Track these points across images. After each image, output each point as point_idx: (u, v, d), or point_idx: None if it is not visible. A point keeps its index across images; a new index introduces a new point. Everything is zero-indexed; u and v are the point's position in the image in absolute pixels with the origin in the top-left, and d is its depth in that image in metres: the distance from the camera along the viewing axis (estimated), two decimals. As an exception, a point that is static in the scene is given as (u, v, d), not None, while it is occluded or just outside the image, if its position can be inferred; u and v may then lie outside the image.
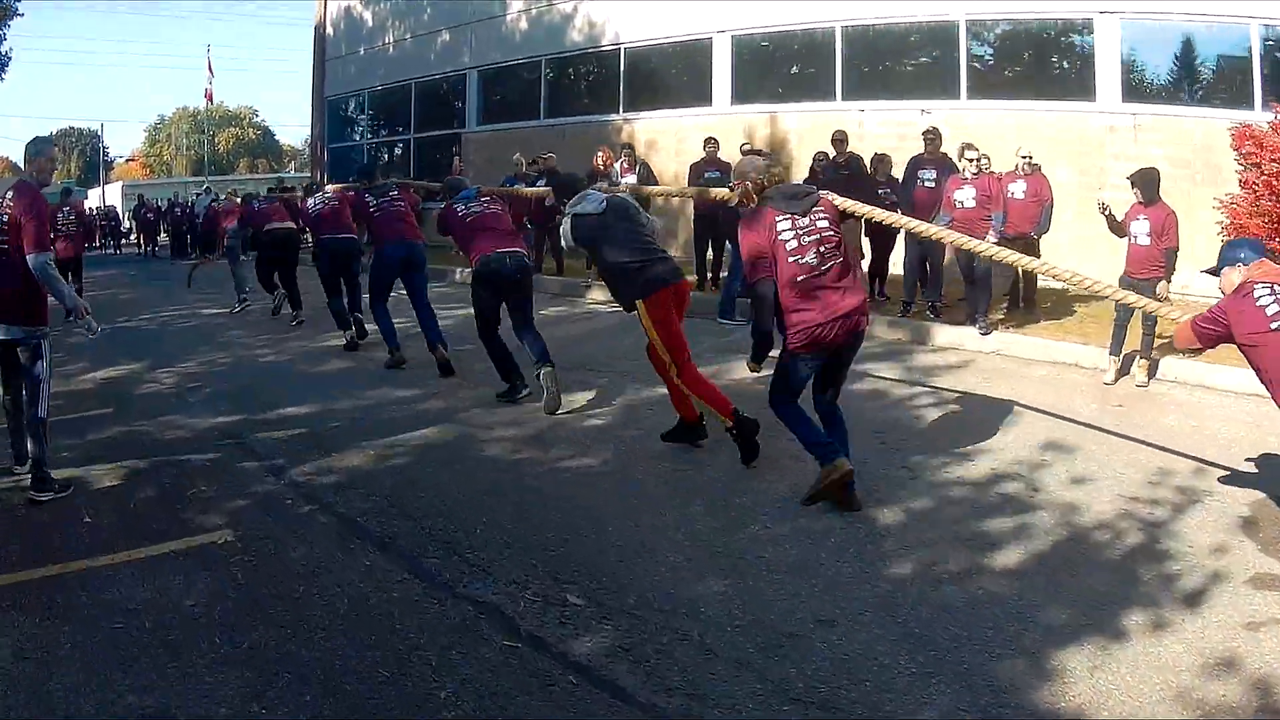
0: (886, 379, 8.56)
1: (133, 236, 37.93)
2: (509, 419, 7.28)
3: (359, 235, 10.64)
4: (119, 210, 44.19)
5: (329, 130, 28.82)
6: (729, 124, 17.50)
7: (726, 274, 11.81)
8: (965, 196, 10.34)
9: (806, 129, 16.61)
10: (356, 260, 10.69)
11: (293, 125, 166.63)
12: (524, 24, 22.36)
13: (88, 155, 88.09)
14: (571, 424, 7.12)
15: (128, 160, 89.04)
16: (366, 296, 9.89)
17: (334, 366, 9.62)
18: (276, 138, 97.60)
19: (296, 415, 7.60)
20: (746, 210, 5.32)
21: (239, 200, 16.42)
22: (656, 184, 13.76)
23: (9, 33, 26.56)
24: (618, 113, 20.51)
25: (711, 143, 13.69)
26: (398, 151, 26.44)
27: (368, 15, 27.13)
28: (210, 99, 43.18)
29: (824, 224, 5.07)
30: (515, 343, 7.80)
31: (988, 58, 16.28)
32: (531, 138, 21.11)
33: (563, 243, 6.55)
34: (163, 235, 33.23)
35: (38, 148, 5.94)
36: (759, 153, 9.68)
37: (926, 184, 11.19)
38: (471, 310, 7.85)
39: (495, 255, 7.54)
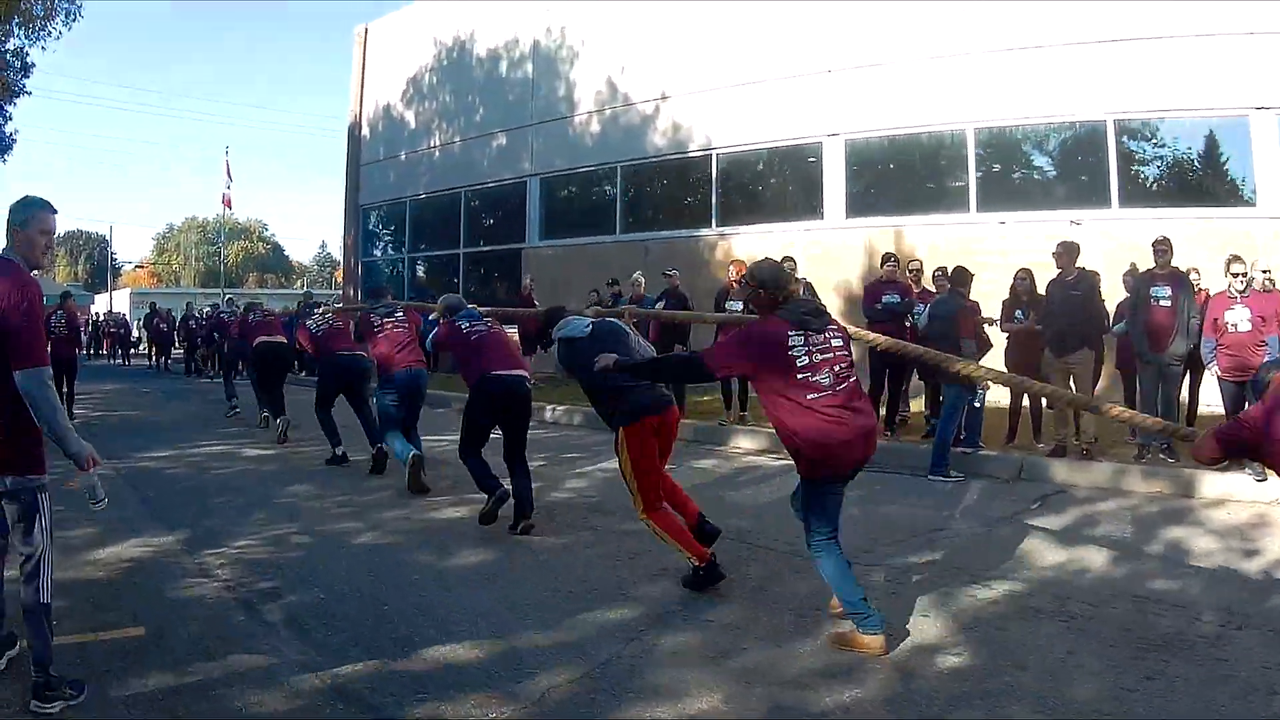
0: (1209, 552, 6.59)
1: (143, 347, 36.13)
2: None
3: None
4: (128, 318, 41.92)
5: (363, 241, 26.71)
6: (844, 239, 16.22)
7: (940, 418, 9.78)
8: (1238, 318, 9.13)
9: (938, 243, 14.95)
10: (366, 381, 10.39)
11: (302, 239, 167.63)
12: (596, 126, 20.08)
13: (95, 260, 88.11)
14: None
15: (136, 267, 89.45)
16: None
17: (475, 558, 6.64)
18: (286, 253, 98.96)
19: (453, 660, 4.65)
20: (756, 313, 5.28)
21: (239, 311, 16.42)
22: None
23: (14, 111, 24.87)
24: (710, 226, 18.27)
25: (891, 261, 11.67)
26: (442, 267, 24.49)
27: (409, 116, 24.89)
28: (229, 205, 41.39)
29: (838, 342, 4.86)
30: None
31: (1142, 160, 14.91)
32: (607, 254, 19.00)
33: (558, 362, 6.50)
34: (177, 347, 30.78)
35: (26, 213, 4.14)
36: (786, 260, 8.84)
37: (1162, 303, 9.55)
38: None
39: (499, 375, 7.41)
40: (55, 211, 4.20)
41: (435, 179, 23.67)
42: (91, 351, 38.58)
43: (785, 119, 17.09)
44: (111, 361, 34.94)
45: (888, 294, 11.26)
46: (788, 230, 16.94)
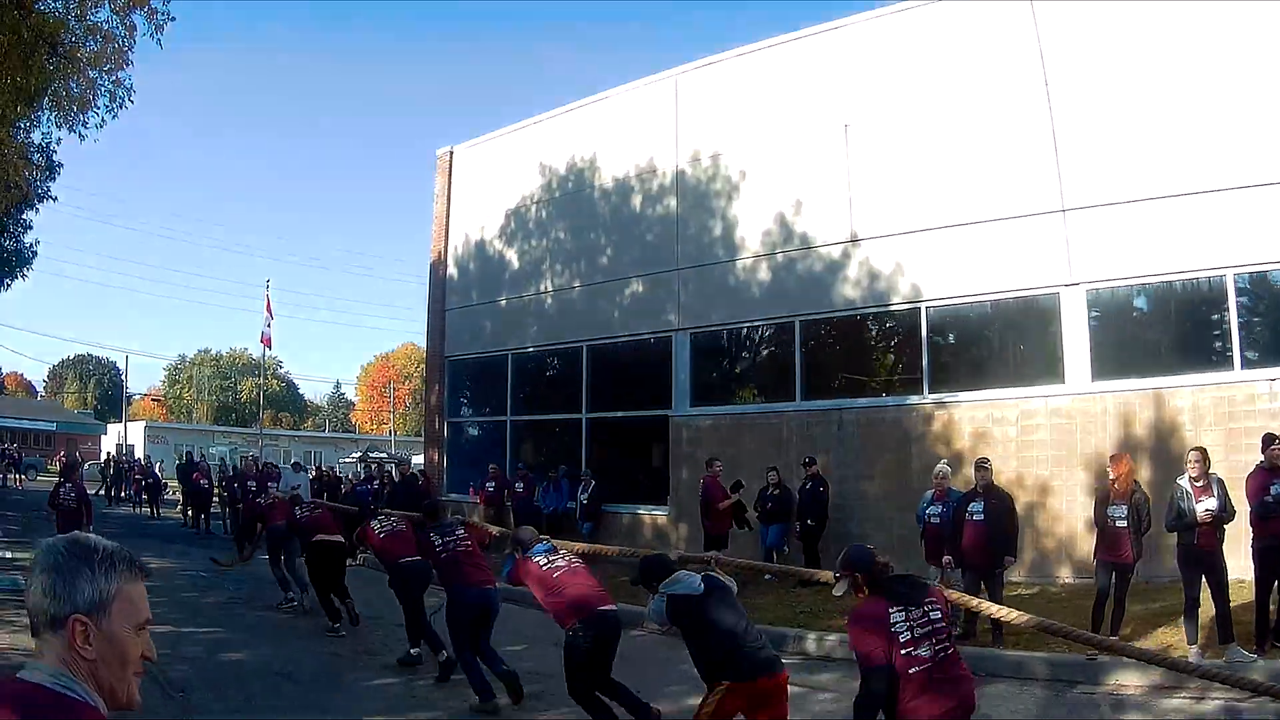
0: None
1: (170, 493, 33.84)
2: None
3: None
4: (144, 456, 41.18)
5: (449, 400, 23.36)
6: (1090, 406, 14.09)
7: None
8: None
9: (1204, 407, 13.16)
10: (425, 586, 10.57)
11: (316, 379, 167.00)
12: (765, 273, 17.25)
13: (105, 387, 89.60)
14: None
15: (143, 396, 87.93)
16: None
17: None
18: (300, 392, 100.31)
19: None
20: (855, 601, 5.36)
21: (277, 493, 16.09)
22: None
23: (36, 219, 23.28)
24: (921, 393, 15.52)
25: (1275, 443, 9.59)
26: (557, 434, 21.51)
27: (511, 255, 21.87)
28: (269, 344, 38.71)
29: (936, 614, 5.05)
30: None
31: None
32: (783, 425, 16.53)
33: (651, 617, 6.62)
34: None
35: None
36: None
37: None
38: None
39: (600, 614, 7.47)
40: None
41: (548, 330, 20.69)
42: (112, 494, 36.23)
43: (1012, 265, 14.64)
44: (137, 510, 32.16)
45: (1276, 483, 9.42)
46: (1022, 397, 14.57)
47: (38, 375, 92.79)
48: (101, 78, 13.96)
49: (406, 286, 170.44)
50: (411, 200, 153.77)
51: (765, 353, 17.90)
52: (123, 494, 36.15)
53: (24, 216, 22.84)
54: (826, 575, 6.43)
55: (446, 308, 23.09)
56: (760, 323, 17.52)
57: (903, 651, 4.92)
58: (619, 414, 19.61)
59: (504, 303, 21.64)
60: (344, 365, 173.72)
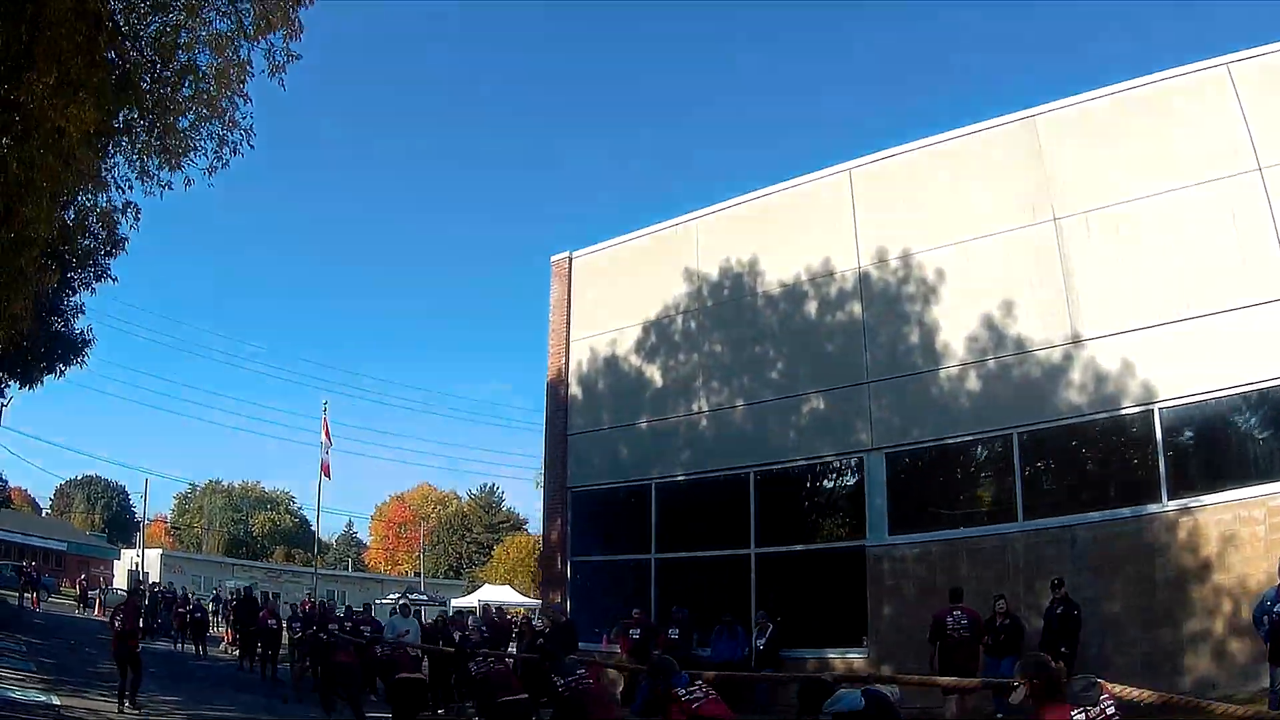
0: None
1: (215, 629, 32.54)
2: None
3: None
4: (181, 588, 39.25)
5: (573, 536, 21.38)
6: None
7: None
8: None
9: None
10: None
11: (329, 512, 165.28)
12: (973, 382, 16.22)
13: (114, 510, 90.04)
14: None
15: (153, 521, 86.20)
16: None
17: None
18: (313, 528, 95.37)
19: None
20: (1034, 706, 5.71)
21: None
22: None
23: (90, 299, 21.58)
24: (1159, 500, 14.31)
25: None
26: (714, 571, 19.28)
27: (653, 371, 20.49)
28: (328, 473, 36.28)
29: (1111, 711, 5.42)
30: None
31: None
32: (1006, 549, 15.27)
33: None
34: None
35: None
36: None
37: None
38: None
39: None
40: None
41: (703, 456, 19.23)
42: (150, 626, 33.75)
43: (1257, 355, 13.73)
44: (179, 647, 30.16)
45: None
46: (1271, 493, 13.32)
47: (43, 492, 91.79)
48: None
49: (441, 421, 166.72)
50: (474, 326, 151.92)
51: (978, 470, 16.74)
52: (157, 624, 34.29)
53: (74, 300, 20.73)
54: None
55: (569, 432, 21.67)
56: (972, 437, 16.35)
57: None
58: (798, 547, 18.00)
59: (645, 425, 20.34)
60: (355, 502, 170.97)
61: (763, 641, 16.70)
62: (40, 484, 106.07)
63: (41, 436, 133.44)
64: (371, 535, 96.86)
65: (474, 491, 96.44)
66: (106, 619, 17.46)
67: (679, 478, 19.72)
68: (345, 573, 70.54)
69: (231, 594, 36.86)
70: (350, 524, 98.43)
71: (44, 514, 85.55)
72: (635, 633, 17.50)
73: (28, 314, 11.76)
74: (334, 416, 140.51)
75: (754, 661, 16.51)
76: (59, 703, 14.16)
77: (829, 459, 17.77)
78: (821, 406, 17.77)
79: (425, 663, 17.51)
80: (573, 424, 21.68)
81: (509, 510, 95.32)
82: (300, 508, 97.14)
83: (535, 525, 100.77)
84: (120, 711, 14.79)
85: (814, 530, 18.35)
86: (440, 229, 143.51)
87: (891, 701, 6.84)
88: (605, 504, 21.23)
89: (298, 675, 19.15)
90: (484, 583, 59.27)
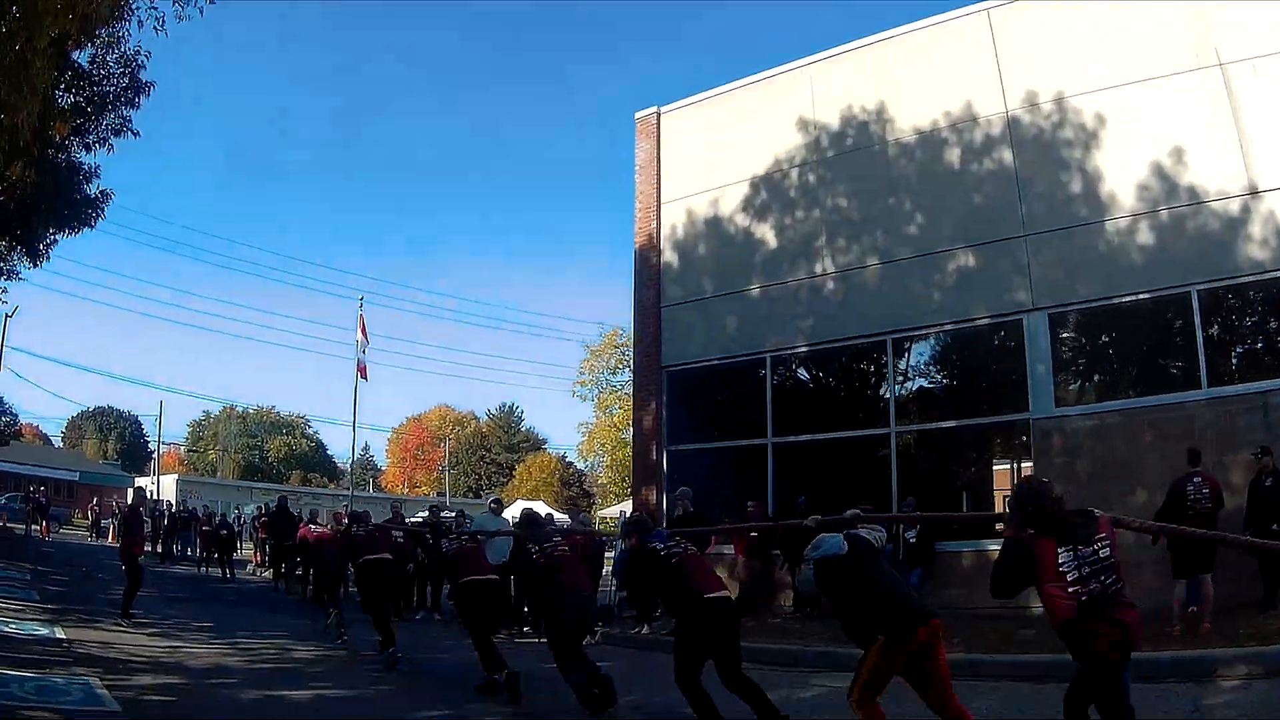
0: None
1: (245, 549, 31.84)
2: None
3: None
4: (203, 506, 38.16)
5: (669, 422, 19.66)
6: None
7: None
8: None
9: None
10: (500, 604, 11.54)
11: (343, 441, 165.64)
12: (1144, 235, 14.64)
13: (127, 441, 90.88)
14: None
15: (168, 449, 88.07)
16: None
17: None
18: (329, 452, 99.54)
19: None
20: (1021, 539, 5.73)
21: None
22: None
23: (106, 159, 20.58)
24: None
25: None
26: (848, 453, 17.76)
27: (764, 231, 18.76)
28: (364, 373, 34.42)
29: (1105, 552, 5.45)
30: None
31: None
32: (1190, 419, 13.84)
33: (802, 587, 7.15)
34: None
35: None
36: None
37: None
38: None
39: (718, 598, 7.84)
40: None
41: (828, 323, 17.60)
42: (170, 550, 33.04)
43: None
44: (204, 570, 29.00)
45: None
46: None
47: (54, 430, 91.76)
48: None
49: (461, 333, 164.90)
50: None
51: (1154, 332, 15.21)
52: (177, 548, 33.33)
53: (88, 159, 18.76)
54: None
55: (663, 304, 20.04)
56: (1146, 296, 14.71)
57: (1070, 589, 5.36)
58: (948, 424, 16.59)
59: (756, 292, 18.70)
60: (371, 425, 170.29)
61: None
62: (52, 422, 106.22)
63: (54, 358, 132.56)
64: (388, 459, 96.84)
65: (492, 411, 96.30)
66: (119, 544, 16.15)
67: (800, 348, 18.22)
68: (369, 493, 69.58)
69: (260, 509, 35.40)
70: (366, 447, 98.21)
71: (56, 448, 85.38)
72: (752, 531, 15.99)
73: (29, 128, 9.67)
74: (342, 330, 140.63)
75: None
76: (63, 635, 12.58)
77: (981, 322, 16.18)
78: (970, 263, 16.18)
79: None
80: (667, 295, 20.07)
81: (528, 430, 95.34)
82: (315, 431, 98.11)
83: (555, 444, 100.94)
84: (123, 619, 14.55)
85: (966, 404, 16.89)
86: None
87: (875, 545, 6.79)
88: (709, 383, 19.82)
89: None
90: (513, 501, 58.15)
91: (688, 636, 7.79)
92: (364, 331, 34.38)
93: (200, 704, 9.02)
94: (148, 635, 13.59)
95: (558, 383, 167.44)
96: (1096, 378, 15.63)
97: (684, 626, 7.88)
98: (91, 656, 11.06)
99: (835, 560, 6.42)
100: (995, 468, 17.28)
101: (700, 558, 8.46)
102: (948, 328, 16.61)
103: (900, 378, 16.96)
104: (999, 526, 6.80)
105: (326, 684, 10.75)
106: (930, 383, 17.14)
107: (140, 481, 57.32)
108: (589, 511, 50.31)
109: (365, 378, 34.58)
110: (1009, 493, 12.46)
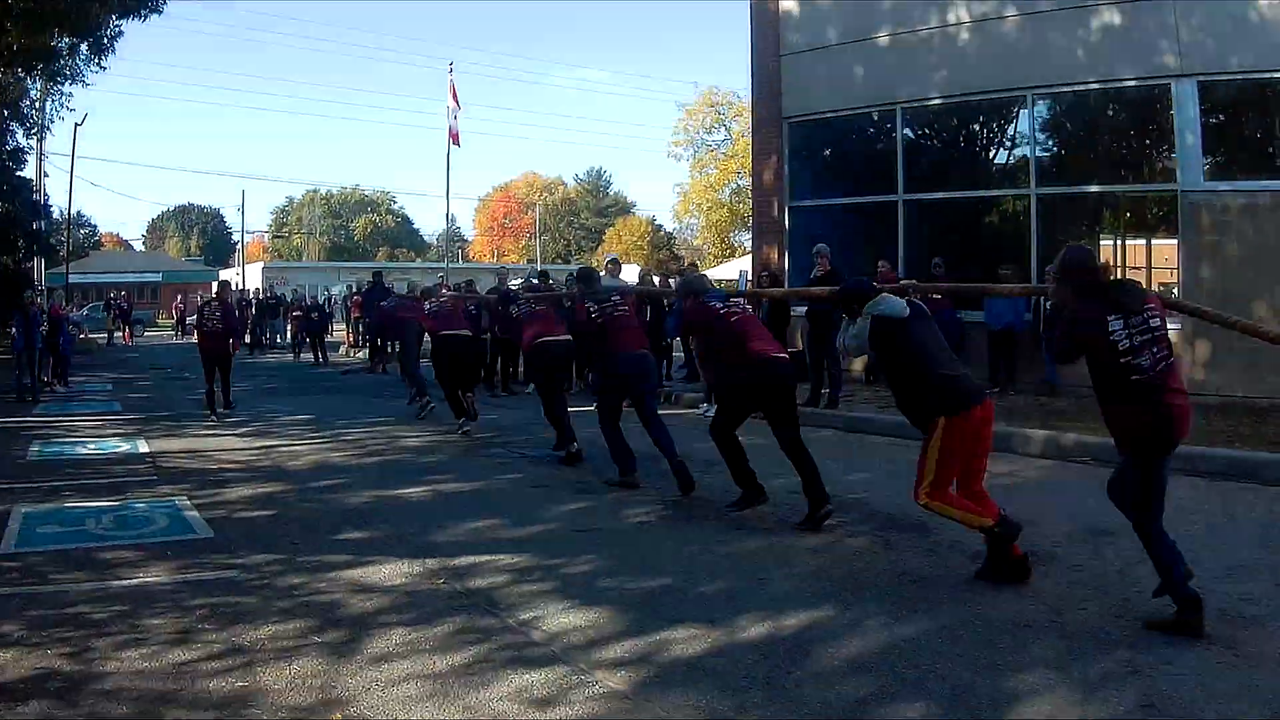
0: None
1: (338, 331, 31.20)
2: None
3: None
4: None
5: (791, 177, 18.52)
6: None
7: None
8: None
9: None
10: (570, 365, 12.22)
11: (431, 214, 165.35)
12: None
13: (209, 236, 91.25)
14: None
15: (253, 237, 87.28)
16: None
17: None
18: (415, 227, 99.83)
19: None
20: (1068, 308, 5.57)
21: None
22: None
23: None
24: None
25: None
26: (992, 216, 17.01)
27: None
28: (456, 140, 34.04)
29: (1156, 323, 5.23)
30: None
31: None
32: None
33: (848, 343, 6.74)
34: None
35: None
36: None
37: None
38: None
39: (770, 359, 7.72)
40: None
41: (963, 75, 16.22)
42: (259, 339, 32.54)
43: None
44: (298, 357, 28.71)
45: None
46: None
47: (135, 236, 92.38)
48: None
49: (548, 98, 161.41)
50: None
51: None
52: (269, 339, 33.15)
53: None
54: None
55: (783, 52, 18.45)
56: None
57: (1121, 360, 5.13)
58: (1090, 188, 15.37)
59: (885, 40, 17.02)
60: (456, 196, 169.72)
61: (1051, 304, 13.95)
62: (133, 227, 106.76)
63: (130, 161, 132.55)
64: (475, 229, 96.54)
65: (580, 176, 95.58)
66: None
67: (933, 101, 16.79)
68: (461, 264, 69.09)
69: (351, 288, 34.82)
70: (453, 220, 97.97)
71: (138, 252, 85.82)
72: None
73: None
74: (426, 101, 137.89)
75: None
76: (147, 450, 11.76)
77: (1127, 83, 14.67)
78: (1116, 21, 14.52)
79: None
80: (787, 42, 18.49)
81: (617, 194, 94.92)
82: (400, 207, 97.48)
83: (644, 209, 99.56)
84: (212, 417, 14.43)
85: (1110, 169, 15.60)
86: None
87: (930, 317, 6.58)
88: (834, 136, 18.77)
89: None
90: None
91: (733, 395, 7.93)
92: (455, 97, 33.78)
93: (305, 517, 8.12)
94: (240, 436, 12.94)
95: (647, 144, 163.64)
96: (1247, 156, 14.31)
97: (731, 385, 7.97)
98: (179, 471, 10.34)
99: (895, 322, 6.29)
100: (1135, 241, 16.14)
101: (756, 319, 8.42)
102: (1093, 86, 15.03)
103: (1041, 137, 15.76)
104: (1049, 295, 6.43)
105: (445, 476, 9.88)
106: (1073, 145, 15.80)
107: (224, 273, 57.31)
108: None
109: (458, 144, 34.29)
110: (1051, 262, 11.78)
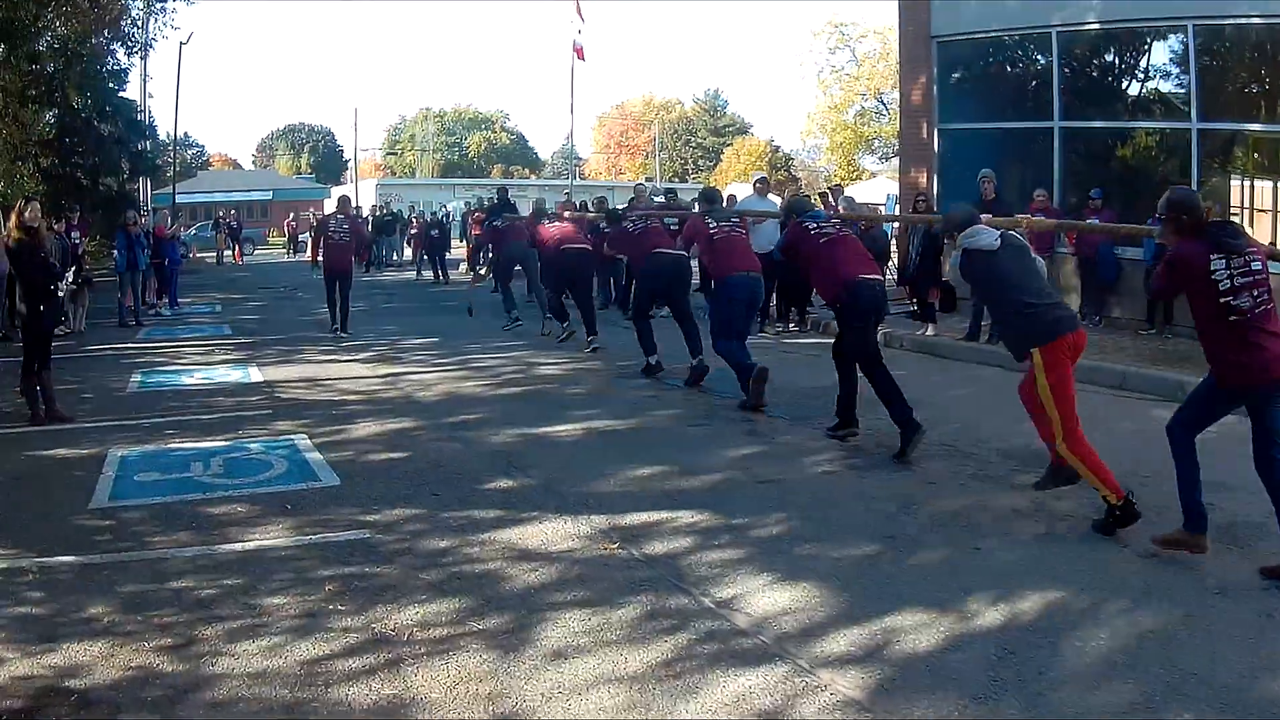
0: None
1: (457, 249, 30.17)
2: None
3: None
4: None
5: (940, 99, 17.10)
6: None
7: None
8: None
9: None
10: (688, 285, 11.08)
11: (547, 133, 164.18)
12: None
13: (320, 154, 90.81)
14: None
15: (366, 154, 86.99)
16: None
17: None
18: (530, 144, 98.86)
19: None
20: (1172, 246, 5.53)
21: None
22: None
23: None
24: None
25: None
26: (1138, 145, 15.27)
27: None
28: (581, 55, 33.35)
29: (1257, 265, 5.17)
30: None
31: None
32: None
33: (947, 273, 7.22)
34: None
35: None
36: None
37: None
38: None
39: (868, 281, 7.78)
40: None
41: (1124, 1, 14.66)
42: (376, 258, 31.33)
43: None
44: (421, 276, 27.29)
45: None
46: None
47: (244, 152, 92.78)
48: None
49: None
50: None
51: None
52: (385, 257, 32.13)
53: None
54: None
55: None
56: None
57: (1221, 300, 5.11)
58: (1254, 127, 13.72)
59: None
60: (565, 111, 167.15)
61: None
62: (243, 147, 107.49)
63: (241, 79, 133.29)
64: (593, 146, 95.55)
65: (698, 96, 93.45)
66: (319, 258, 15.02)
67: (1091, 26, 15.20)
68: (583, 181, 67.97)
69: (471, 206, 33.72)
70: (569, 137, 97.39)
71: (247, 170, 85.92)
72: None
73: None
74: (542, 15, 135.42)
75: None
76: (261, 378, 10.87)
77: None
78: None
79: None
80: None
81: (734, 114, 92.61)
82: (514, 126, 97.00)
83: (762, 130, 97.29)
84: (333, 335, 14.27)
85: (1274, 106, 13.87)
86: None
87: (1027, 248, 6.51)
88: (986, 57, 17.13)
89: None
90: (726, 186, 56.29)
91: (841, 320, 7.90)
92: (580, 11, 32.63)
93: (444, 460, 7.12)
94: (362, 362, 11.95)
95: (766, 66, 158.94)
96: None
97: (835, 311, 8.04)
98: (297, 403, 9.40)
99: (983, 254, 6.32)
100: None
101: (853, 240, 8.39)
102: (1255, 21, 13.40)
103: (1205, 70, 14.05)
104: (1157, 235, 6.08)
105: (594, 412, 8.88)
106: (1239, 81, 14.19)
107: (336, 190, 56.92)
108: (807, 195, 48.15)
109: (582, 58, 33.40)
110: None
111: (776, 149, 77.33)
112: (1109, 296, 14.13)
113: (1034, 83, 16.34)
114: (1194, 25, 13.89)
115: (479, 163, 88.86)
